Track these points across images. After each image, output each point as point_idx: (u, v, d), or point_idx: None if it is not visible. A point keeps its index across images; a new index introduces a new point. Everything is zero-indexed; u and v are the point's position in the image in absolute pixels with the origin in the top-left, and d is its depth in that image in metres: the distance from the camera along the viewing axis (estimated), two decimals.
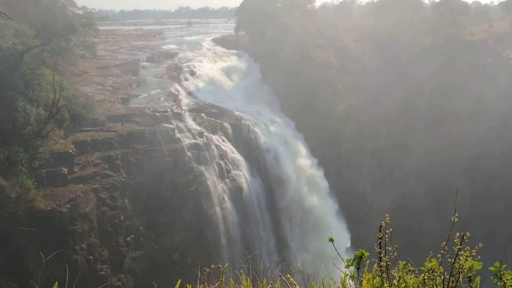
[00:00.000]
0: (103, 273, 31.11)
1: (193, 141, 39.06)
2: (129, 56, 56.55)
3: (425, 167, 61.61)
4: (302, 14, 63.20)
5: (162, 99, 42.91)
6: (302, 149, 49.14)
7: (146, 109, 39.36)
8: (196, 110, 44.78)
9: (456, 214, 5.09)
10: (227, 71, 56.57)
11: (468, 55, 64.43)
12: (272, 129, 47.71)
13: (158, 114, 38.90)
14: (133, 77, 48.66)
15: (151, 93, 44.28)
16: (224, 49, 63.29)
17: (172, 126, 38.46)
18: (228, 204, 39.52)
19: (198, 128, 41.08)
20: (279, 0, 64.49)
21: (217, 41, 67.92)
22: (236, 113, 46.55)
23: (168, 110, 39.87)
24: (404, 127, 61.31)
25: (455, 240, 4.92)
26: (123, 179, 33.71)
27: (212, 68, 56.11)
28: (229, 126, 43.13)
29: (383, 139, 59.77)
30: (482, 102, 64.17)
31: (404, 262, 5.55)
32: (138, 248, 34.02)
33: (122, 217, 33.11)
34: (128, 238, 33.48)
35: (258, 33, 60.24)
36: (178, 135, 38.27)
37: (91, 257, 30.58)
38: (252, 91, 55.03)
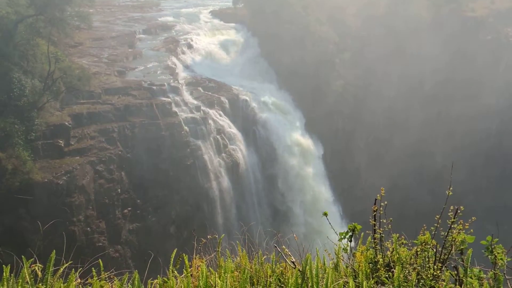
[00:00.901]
0: (100, 244, 31.55)
1: (190, 115, 38.93)
2: (125, 28, 55.54)
3: (421, 144, 61.88)
4: None
5: (159, 72, 42.49)
6: (300, 125, 49.12)
7: (143, 82, 39.02)
8: (193, 84, 44.43)
9: (451, 188, 5.14)
10: (225, 45, 55.82)
11: (468, 32, 63.68)
12: (270, 104, 47.54)
13: (155, 87, 38.60)
14: (129, 50, 47.95)
15: (148, 66, 43.79)
16: (222, 22, 62.22)
17: (169, 99, 38.24)
18: (224, 178, 39.77)
19: (195, 102, 40.86)
20: None
21: (215, 14, 66.67)
22: (234, 87, 46.25)
23: (165, 83, 39.55)
24: (401, 104, 61.17)
25: (449, 214, 4.99)
26: (120, 152, 33.75)
27: (209, 42, 55.33)
28: (227, 101, 42.92)
29: (379, 116, 59.75)
30: (481, 80, 63.87)
31: (397, 234, 5.64)
32: (135, 220, 34.40)
33: (119, 189, 33.34)
34: (125, 211, 33.80)
35: (257, 6, 59.14)
36: (175, 109, 38.11)
37: (88, 228, 30.94)
38: (250, 65, 54.49)
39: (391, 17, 61.45)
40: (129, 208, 33.98)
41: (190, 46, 52.05)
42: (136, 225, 34.43)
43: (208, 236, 6.83)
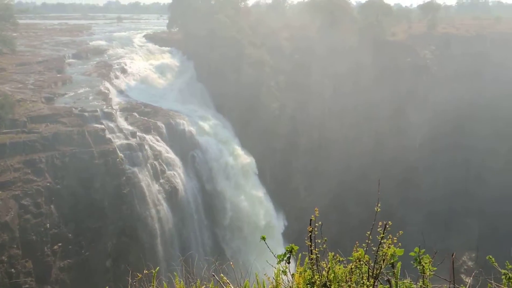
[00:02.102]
0: (27, 286, 28.97)
1: (125, 141, 37.63)
2: (53, 52, 53.08)
3: (354, 161, 64.71)
4: (235, 12, 63.31)
5: (90, 98, 40.83)
6: (238, 148, 49.32)
7: (73, 109, 37.22)
8: (128, 110, 43.19)
9: (379, 204, 5.34)
10: (160, 69, 55.19)
11: (391, 54, 68.59)
12: (207, 128, 47.37)
13: (86, 114, 36.96)
14: (58, 75, 45.75)
15: (79, 91, 41.96)
16: (157, 46, 61.61)
17: (103, 126, 36.75)
18: (163, 205, 38.61)
19: (131, 128, 39.64)
20: None
21: (149, 38, 65.96)
22: (171, 111, 45.60)
23: (98, 109, 38.03)
24: (335, 124, 63.85)
25: (378, 230, 5.16)
26: (48, 184, 31.61)
27: (144, 66, 54.44)
28: (163, 126, 42.11)
29: (315, 137, 61.82)
30: (402, 99, 68.69)
31: (333, 253, 5.72)
32: (67, 256, 32.11)
33: (48, 224, 31.05)
34: (55, 247, 31.47)
35: (192, 30, 59.45)
36: (109, 135, 36.65)
37: (12, 270, 28.33)
38: (186, 89, 54.21)
39: (322, 40, 64.59)
40: (60, 244, 31.70)
41: (124, 71, 50.81)
42: (68, 261, 32.12)
43: (145, 271, 6.50)
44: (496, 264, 6.65)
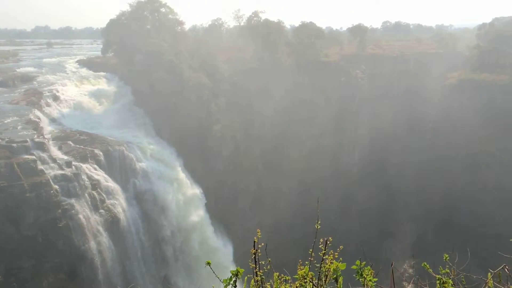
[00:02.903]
0: None
1: (60, 172, 35.55)
2: None
3: (297, 178, 66.08)
4: (172, 36, 63.18)
5: (19, 127, 38.30)
6: (180, 172, 48.47)
7: (0, 140, 34.68)
8: (62, 138, 41.03)
9: (319, 222, 5.50)
10: (96, 95, 53.30)
11: (325, 74, 71.74)
12: (148, 153, 46.16)
13: (15, 145, 34.56)
14: None
15: (6, 121, 39.25)
16: (91, 72, 59.63)
17: (33, 157, 34.50)
18: (104, 237, 36.70)
19: (65, 157, 37.59)
20: (148, 22, 63.55)
21: (83, 63, 63.75)
22: (109, 138, 43.95)
23: (28, 139, 35.71)
24: (277, 143, 65.08)
25: (320, 246, 5.30)
26: None
27: (78, 92, 52.31)
28: (101, 153, 40.40)
29: (257, 156, 62.48)
30: (340, 116, 71.78)
31: (277, 273, 5.76)
32: None
33: None
34: None
35: (128, 55, 58.33)
36: (41, 166, 34.45)
37: None
38: (124, 115, 52.68)
39: (259, 63, 66.14)
40: None
41: (56, 98, 48.44)
42: None
43: None
44: (431, 270, 7.04)
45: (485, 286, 5.52)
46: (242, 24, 79.03)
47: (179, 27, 67.88)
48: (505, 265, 5.32)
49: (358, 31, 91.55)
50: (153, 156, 46.33)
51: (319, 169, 68.19)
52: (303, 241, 58.12)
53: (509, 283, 5.55)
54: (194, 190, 49.08)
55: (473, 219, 66.32)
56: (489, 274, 5.54)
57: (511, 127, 66.47)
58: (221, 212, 53.72)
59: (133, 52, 57.43)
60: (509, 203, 64.24)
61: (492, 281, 5.46)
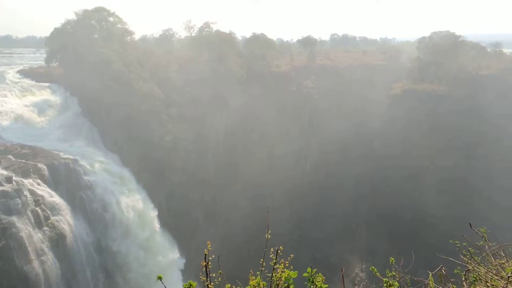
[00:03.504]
0: None
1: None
2: None
3: (250, 188, 66.29)
4: (121, 46, 61.71)
5: None
6: (131, 184, 47.09)
7: None
8: (2, 153, 38.62)
9: (269, 231, 5.53)
10: (40, 106, 50.75)
11: (277, 85, 72.99)
12: (96, 166, 44.47)
13: None
14: None
15: None
16: (34, 82, 56.67)
17: None
18: (48, 255, 34.73)
19: (5, 173, 35.35)
20: (95, 31, 61.70)
21: (25, 73, 60.52)
22: (54, 151, 41.90)
23: None
24: (228, 154, 65.01)
25: (271, 256, 5.33)
26: None
27: (20, 104, 49.55)
28: (45, 167, 38.37)
29: (211, 167, 62.08)
30: (291, 126, 73.17)
31: (229, 285, 5.72)
32: None
33: None
34: None
35: (74, 65, 56.20)
36: None
37: None
38: (70, 126, 50.54)
39: (211, 72, 66.04)
40: None
41: None
42: None
43: None
44: (378, 274, 7.30)
45: (427, 287, 5.80)
46: (193, 34, 78.79)
47: (129, 37, 66.45)
48: (441, 266, 5.63)
49: (307, 42, 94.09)
50: (101, 169, 44.68)
51: (273, 179, 68.84)
52: (258, 251, 58.12)
53: (446, 282, 5.86)
54: (145, 203, 47.79)
55: (418, 223, 69.52)
56: (430, 275, 5.83)
57: (450, 135, 70.75)
58: (174, 224, 52.64)
59: (79, 62, 55.44)
60: (449, 206, 68.08)
61: (433, 281, 5.75)
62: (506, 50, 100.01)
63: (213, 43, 70.59)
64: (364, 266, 64.32)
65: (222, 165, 63.78)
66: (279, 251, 5.44)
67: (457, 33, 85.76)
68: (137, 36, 77.16)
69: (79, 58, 55.58)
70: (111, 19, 62.74)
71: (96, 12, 61.55)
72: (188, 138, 58.91)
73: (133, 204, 45.87)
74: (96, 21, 61.59)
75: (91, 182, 41.78)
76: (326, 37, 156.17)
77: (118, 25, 63.47)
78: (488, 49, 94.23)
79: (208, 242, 5.44)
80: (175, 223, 52.98)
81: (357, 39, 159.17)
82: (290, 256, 5.80)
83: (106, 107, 52.48)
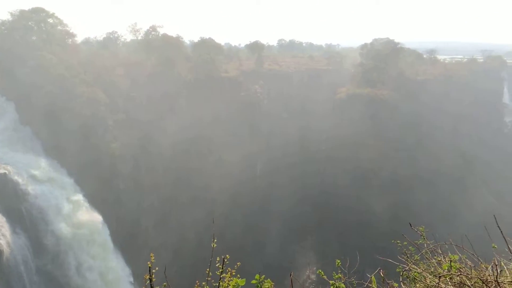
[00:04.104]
0: None
1: None
2: None
3: (201, 195, 65.52)
4: (62, 49, 58.96)
5: None
6: (75, 194, 44.97)
7: None
8: None
9: (215, 240, 5.46)
10: None
11: (226, 89, 72.93)
12: (38, 175, 42.06)
13: None
14: None
15: None
16: None
17: None
18: None
19: None
20: (34, 33, 58.54)
21: None
22: None
23: None
24: (177, 159, 63.88)
25: (217, 265, 5.26)
26: None
27: None
28: None
29: (160, 174, 60.68)
30: (241, 131, 73.31)
31: None
32: None
33: None
34: None
35: (9, 68, 52.83)
36: None
37: None
38: (7, 134, 47.46)
39: (159, 76, 64.73)
40: None
41: None
42: None
43: None
44: (325, 276, 7.44)
45: None
46: (139, 38, 76.93)
47: (70, 39, 63.68)
48: (380, 269, 5.84)
49: (255, 47, 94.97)
50: (43, 179, 42.30)
51: (223, 183, 68.49)
52: (208, 260, 57.56)
53: (385, 283, 6.10)
54: (91, 213, 45.80)
55: (365, 223, 71.71)
56: (372, 277, 6.02)
57: (393, 137, 74.10)
58: (122, 233, 50.85)
59: (16, 65, 52.24)
60: (393, 207, 71.00)
61: (375, 282, 5.94)
62: (440, 57, 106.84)
63: (160, 47, 69.32)
64: (314, 268, 65.69)
65: (172, 171, 62.57)
66: (225, 260, 5.38)
67: (396, 40, 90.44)
68: (79, 38, 74.24)
69: (16, 62, 52.39)
70: (50, 20, 59.86)
71: (33, 13, 58.44)
72: (135, 144, 57.27)
73: (78, 214, 43.78)
74: (34, 23, 58.48)
75: (32, 193, 39.43)
76: (273, 42, 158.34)
77: (59, 27, 60.70)
78: (424, 56, 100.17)
79: (152, 254, 5.27)
80: (123, 231, 51.20)
81: (304, 44, 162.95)
82: (237, 264, 5.77)
83: (46, 112, 49.76)
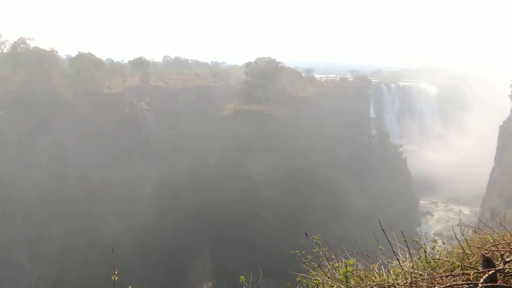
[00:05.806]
0: None
1: None
2: None
3: (83, 219, 60.60)
4: None
5: None
6: None
7: None
8: None
9: (116, 272, 5.04)
10: None
11: (109, 106, 69.08)
12: None
13: None
14: None
15: None
16: None
17: None
18: None
19: None
20: None
21: None
22: None
23: None
24: (53, 184, 58.36)
25: None
26: None
27: None
28: None
29: (34, 200, 54.64)
30: (128, 150, 70.00)
31: None
32: None
33: None
34: None
35: None
36: None
37: None
38: None
39: (31, 94, 58.68)
40: None
41: None
42: None
43: None
44: None
45: None
46: (5, 51, 69.04)
47: None
48: (288, 285, 6.03)
49: (140, 64, 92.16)
50: None
51: (105, 210, 64.08)
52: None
53: None
54: None
55: (265, 236, 73.04)
56: None
57: (275, 150, 77.84)
58: None
59: None
60: (288, 218, 73.88)
61: None
62: (316, 75, 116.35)
63: (32, 61, 63.04)
64: (210, 283, 65.01)
65: (47, 196, 56.72)
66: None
67: (278, 59, 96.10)
68: None
69: None
70: None
71: None
72: (4, 168, 50.75)
73: None
74: None
75: None
76: (158, 58, 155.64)
77: None
78: (303, 74, 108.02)
79: None
80: None
81: (190, 61, 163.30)
82: None
83: None
